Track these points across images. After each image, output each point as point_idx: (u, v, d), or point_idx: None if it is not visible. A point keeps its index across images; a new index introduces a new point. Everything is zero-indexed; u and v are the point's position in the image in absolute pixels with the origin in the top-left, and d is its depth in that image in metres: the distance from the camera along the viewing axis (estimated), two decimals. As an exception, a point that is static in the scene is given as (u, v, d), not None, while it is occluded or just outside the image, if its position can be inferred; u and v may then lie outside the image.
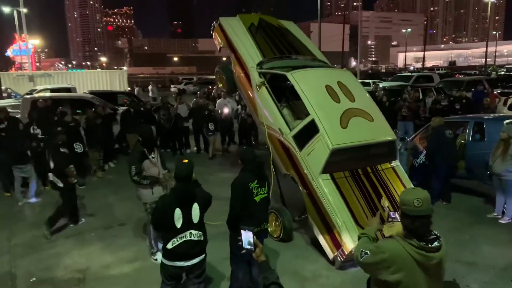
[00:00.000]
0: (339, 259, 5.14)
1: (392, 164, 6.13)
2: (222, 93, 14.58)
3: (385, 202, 5.51)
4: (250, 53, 7.47)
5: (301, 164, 5.79)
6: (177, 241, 3.63)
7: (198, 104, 12.54)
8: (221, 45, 8.32)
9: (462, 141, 7.86)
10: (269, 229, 5.91)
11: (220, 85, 8.77)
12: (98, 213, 7.49)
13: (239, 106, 13.16)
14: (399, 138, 9.14)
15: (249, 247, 2.49)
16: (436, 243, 2.38)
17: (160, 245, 4.87)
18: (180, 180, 3.68)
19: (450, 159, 7.33)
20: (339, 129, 5.71)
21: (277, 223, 5.95)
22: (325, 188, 5.38)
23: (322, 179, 5.46)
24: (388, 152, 6.19)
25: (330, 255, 5.26)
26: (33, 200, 8.19)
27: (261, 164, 4.45)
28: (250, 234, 2.48)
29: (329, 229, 5.29)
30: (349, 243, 4.97)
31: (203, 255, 3.81)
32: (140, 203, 5.65)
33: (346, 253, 5.01)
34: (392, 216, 2.68)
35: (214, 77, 9.19)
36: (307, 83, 6.34)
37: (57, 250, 5.95)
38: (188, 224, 3.66)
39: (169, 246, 3.64)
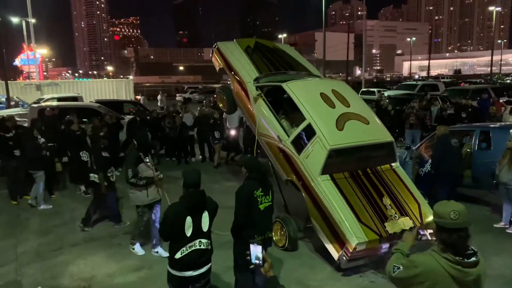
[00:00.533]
0: (344, 258, 5.10)
1: (392, 166, 6.17)
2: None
3: (387, 201, 5.53)
4: (247, 70, 7.78)
5: (301, 167, 5.86)
6: (186, 250, 3.59)
7: (203, 113, 12.59)
8: (220, 66, 8.70)
9: (468, 150, 7.83)
10: (274, 238, 5.94)
11: (221, 105, 9.02)
12: (103, 221, 7.51)
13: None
14: (405, 147, 9.13)
15: (257, 261, 2.46)
16: (473, 258, 2.26)
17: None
18: (189, 187, 3.64)
19: (456, 168, 7.27)
20: (336, 131, 5.84)
21: (282, 232, 5.94)
22: (325, 188, 5.44)
23: (322, 179, 5.54)
24: (387, 154, 6.25)
25: (335, 255, 5.23)
26: (42, 206, 8.25)
27: (265, 172, 4.46)
28: (259, 248, 2.45)
29: (332, 228, 5.28)
30: (353, 240, 4.96)
31: (210, 264, 3.79)
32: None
33: (351, 250, 4.98)
34: (422, 233, 2.57)
35: (218, 86, 9.40)
36: (302, 91, 6.55)
37: (63, 259, 5.97)
38: (198, 232, 3.63)
39: (178, 255, 3.58)
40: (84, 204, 8.49)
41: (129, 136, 11.30)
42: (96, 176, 7.09)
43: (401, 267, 2.36)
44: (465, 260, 2.24)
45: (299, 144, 6.02)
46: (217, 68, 8.98)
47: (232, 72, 8.06)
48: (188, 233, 3.57)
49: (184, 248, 3.57)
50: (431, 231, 2.42)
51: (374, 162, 6.09)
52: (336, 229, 5.22)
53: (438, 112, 12.67)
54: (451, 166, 7.18)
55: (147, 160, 5.82)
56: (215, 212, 3.84)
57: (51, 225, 7.34)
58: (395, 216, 5.36)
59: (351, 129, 5.97)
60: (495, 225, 6.75)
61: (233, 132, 12.17)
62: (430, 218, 5.37)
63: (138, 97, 31.51)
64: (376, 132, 6.33)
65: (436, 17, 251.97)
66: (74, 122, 9.52)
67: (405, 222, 5.34)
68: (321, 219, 5.47)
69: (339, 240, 5.17)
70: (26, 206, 8.42)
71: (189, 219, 3.56)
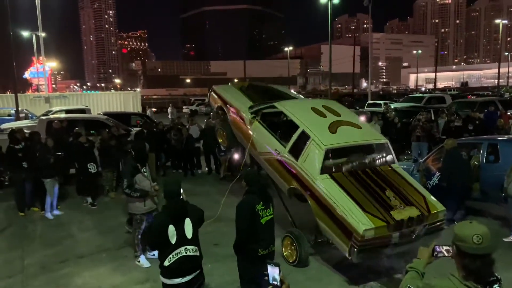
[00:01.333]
0: (354, 250, 5.04)
1: (392, 166, 6.29)
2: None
3: (390, 193, 5.58)
4: (242, 101, 8.28)
5: (301, 172, 5.99)
6: (173, 257, 3.66)
7: (209, 125, 12.63)
8: (218, 104, 9.08)
9: (476, 162, 7.77)
10: (284, 253, 5.96)
11: (220, 140, 9.30)
12: (109, 233, 7.52)
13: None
14: (412, 160, 9.07)
15: (275, 283, 2.43)
16: (496, 287, 2.06)
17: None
18: (169, 197, 3.75)
19: (465, 181, 7.25)
20: (329, 134, 6.14)
21: (292, 248, 5.88)
22: (326, 186, 5.57)
23: (322, 178, 5.68)
24: (384, 155, 6.43)
25: (345, 249, 5.18)
26: (48, 215, 8.31)
27: (265, 186, 4.46)
28: (277, 270, 2.41)
29: (338, 222, 5.27)
30: (359, 227, 4.97)
31: (199, 270, 3.85)
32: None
33: (359, 238, 4.95)
34: (438, 249, 2.34)
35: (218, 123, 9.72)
36: (293, 107, 7.09)
37: (69, 270, 5.97)
38: (182, 239, 3.70)
39: (166, 263, 3.67)
40: (91, 216, 8.56)
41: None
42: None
43: None
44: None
45: (296, 151, 6.21)
46: (215, 107, 9.44)
47: (228, 105, 8.53)
48: (173, 240, 3.65)
49: (171, 256, 3.66)
50: (448, 247, 2.25)
51: (373, 163, 6.29)
52: (342, 222, 5.21)
53: (446, 125, 12.60)
54: (461, 179, 7.15)
55: (144, 170, 5.92)
56: (200, 220, 3.90)
57: (57, 237, 7.35)
58: (401, 206, 5.38)
59: (344, 132, 6.27)
60: (504, 239, 6.65)
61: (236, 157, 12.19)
62: (438, 209, 5.56)
63: (154, 109, 31.77)
64: (369, 134, 6.70)
65: (442, 30, 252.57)
66: (82, 134, 9.60)
67: (412, 211, 5.35)
68: (327, 217, 5.47)
69: (347, 232, 5.13)
70: (34, 217, 8.48)
71: (171, 228, 3.65)
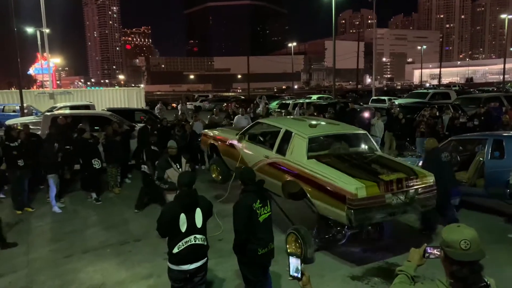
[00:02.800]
0: (351, 211, 5.17)
1: (375, 153, 6.81)
2: (240, 109, 14.75)
3: (376, 166, 6.03)
4: (230, 133, 8.81)
5: (290, 164, 6.32)
6: (182, 245, 3.82)
7: (213, 121, 12.65)
8: (210, 142, 9.46)
9: (481, 158, 7.73)
10: (288, 250, 5.96)
11: (213, 175, 9.56)
12: (114, 228, 7.56)
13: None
14: (415, 155, 9.04)
15: (296, 274, 2.42)
16: None
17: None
18: (183, 187, 3.94)
19: (449, 184, 6.76)
20: (309, 128, 6.79)
21: (297, 244, 5.88)
22: (314, 165, 5.95)
23: (309, 162, 6.07)
24: (366, 144, 6.97)
25: (343, 215, 5.29)
26: (55, 209, 8.40)
27: (261, 183, 4.46)
28: (298, 261, 2.39)
29: (331, 192, 5.47)
30: (351, 188, 5.22)
31: (206, 259, 4.00)
32: (154, 220, 5.75)
33: (352, 197, 5.15)
34: (429, 251, 2.28)
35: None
36: (275, 119, 8.65)
37: (73, 266, 6.00)
38: (192, 228, 3.86)
39: (175, 250, 3.82)
40: (95, 211, 8.60)
41: (140, 144, 11.38)
42: (145, 166, 8.17)
43: None
44: None
45: (282, 149, 6.63)
46: (207, 148, 9.73)
47: (218, 140, 9.02)
48: (183, 229, 3.82)
49: (180, 243, 3.82)
50: (439, 250, 2.16)
51: (356, 150, 6.87)
52: (334, 190, 5.43)
53: (450, 121, 12.54)
54: (444, 183, 6.51)
55: (178, 166, 6.23)
56: (209, 211, 4.07)
57: (62, 232, 7.40)
58: (388, 172, 5.75)
59: (323, 127, 7.15)
60: (509, 235, 6.63)
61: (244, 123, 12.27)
62: (426, 174, 5.94)
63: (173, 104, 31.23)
64: (348, 128, 7.58)
65: (447, 25, 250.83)
66: (87, 130, 9.62)
67: (399, 174, 5.70)
68: (321, 192, 5.65)
69: (340, 197, 5.30)
70: (38, 213, 8.52)
71: (183, 216, 3.82)
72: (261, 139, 8.15)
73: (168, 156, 6.25)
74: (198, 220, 3.89)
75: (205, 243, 3.95)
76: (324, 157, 6.25)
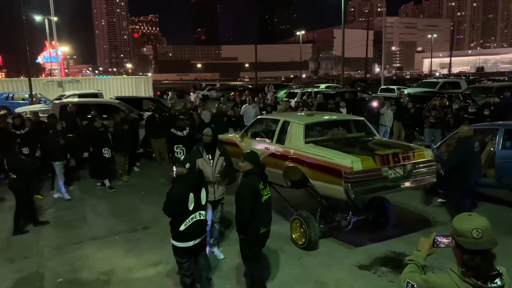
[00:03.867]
0: (348, 185, 5.26)
1: (373, 137, 6.98)
2: (247, 98, 14.69)
3: (373, 145, 6.29)
4: (234, 135, 8.86)
5: (289, 150, 6.44)
6: (189, 221, 4.28)
7: (220, 110, 12.61)
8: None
9: (492, 149, 7.63)
10: (293, 236, 6.03)
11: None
12: (122, 216, 7.63)
13: (264, 112, 13.19)
14: (424, 145, 8.96)
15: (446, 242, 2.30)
16: (498, 282, 1.96)
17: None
18: (192, 168, 4.68)
19: (477, 178, 6.66)
20: (306, 117, 7.15)
21: (302, 230, 5.91)
22: (311, 148, 6.11)
23: (307, 146, 6.22)
24: (363, 131, 7.13)
25: (341, 190, 5.36)
26: (65, 196, 8.48)
27: (263, 166, 4.65)
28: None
29: (328, 169, 5.58)
30: (346, 162, 5.37)
31: (205, 233, 4.61)
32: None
33: (348, 171, 5.27)
34: (439, 240, 2.25)
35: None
36: (275, 114, 8.92)
37: (83, 252, 6.08)
38: (198, 205, 4.38)
39: (182, 227, 4.27)
40: (104, 199, 8.68)
41: (147, 133, 11.41)
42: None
43: (415, 286, 2.14)
44: (489, 284, 1.96)
45: (281, 139, 6.78)
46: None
47: (226, 143, 9.07)
48: (191, 207, 4.30)
49: (187, 220, 4.28)
50: (449, 237, 2.16)
51: (353, 134, 7.04)
52: (330, 166, 5.55)
53: (460, 111, 12.37)
54: (471, 175, 6.52)
55: (210, 158, 5.67)
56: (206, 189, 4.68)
57: (71, 219, 7.48)
58: (384, 149, 5.93)
59: (320, 115, 7.73)
60: (519, 226, 6.57)
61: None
62: (423, 150, 6.13)
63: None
64: (344, 116, 8.41)
65: (458, 13, 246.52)
66: (98, 119, 9.64)
67: (395, 150, 5.88)
68: (319, 171, 5.76)
69: (337, 172, 5.40)
70: (48, 200, 8.61)
71: (191, 196, 4.31)
72: (262, 134, 8.20)
73: (202, 145, 5.83)
74: (203, 198, 4.46)
75: (205, 218, 4.52)
76: (321, 141, 6.45)
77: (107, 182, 9.35)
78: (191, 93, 29.88)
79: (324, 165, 5.65)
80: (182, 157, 8.18)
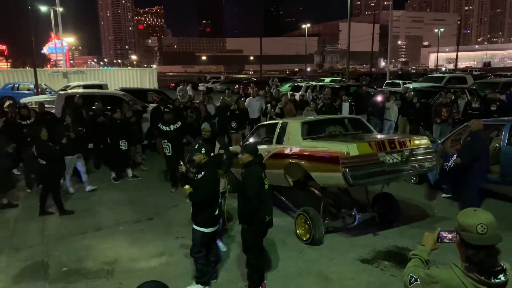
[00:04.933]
0: (346, 170, 5.30)
1: (371, 134, 7.06)
2: (252, 91, 14.64)
3: (369, 137, 6.39)
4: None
5: (288, 148, 6.50)
6: (217, 206, 4.54)
7: (224, 103, 12.59)
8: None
9: (497, 144, 7.59)
10: (297, 231, 6.06)
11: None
12: (127, 207, 7.68)
13: (269, 105, 13.15)
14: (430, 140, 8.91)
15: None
16: (501, 277, 1.95)
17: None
18: (208, 154, 4.71)
19: (482, 168, 6.66)
20: (303, 118, 7.55)
21: (306, 226, 5.92)
22: (309, 143, 6.23)
23: (304, 142, 6.32)
24: (360, 129, 7.20)
25: (339, 176, 5.37)
26: (70, 189, 8.45)
27: (262, 156, 4.81)
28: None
29: (326, 159, 5.66)
30: (343, 148, 5.45)
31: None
32: (167, 200, 5.82)
33: (346, 156, 5.35)
34: (443, 235, 2.25)
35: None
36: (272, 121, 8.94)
37: (88, 242, 6.13)
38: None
39: (216, 212, 4.54)
40: (110, 190, 8.75)
41: (152, 124, 11.42)
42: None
43: (418, 280, 2.14)
44: (493, 280, 1.95)
45: (280, 139, 6.85)
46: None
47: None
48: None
49: (216, 205, 4.54)
50: (454, 233, 2.17)
51: (350, 132, 7.16)
52: (328, 155, 5.63)
53: (466, 106, 12.28)
54: (483, 166, 6.61)
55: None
56: None
57: (76, 210, 7.52)
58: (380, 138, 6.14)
59: (318, 117, 8.14)
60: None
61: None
62: (423, 141, 6.18)
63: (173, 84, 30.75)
64: (341, 115, 8.40)
65: (466, 8, 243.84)
66: (117, 111, 9.65)
67: (391, 138, 6.09)
68: (317, 162, 5.83)
69: (334, 159, 5.46)
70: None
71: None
72: (262, 141, 8.22)
73: (201, 139, 5.96)
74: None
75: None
76: (318, 138, 6.55)
77: (113, 173, 9.43)
78: (199, 85, 29.77)
79: (322, 155, 5.77)
80: (170, 153, 8.20)
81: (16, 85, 24.48)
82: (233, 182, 6.78)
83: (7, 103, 12.22)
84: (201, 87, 40.68)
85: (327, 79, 33.24)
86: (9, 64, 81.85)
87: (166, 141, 8.32)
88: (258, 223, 4.45)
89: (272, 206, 4.68)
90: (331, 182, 5.83)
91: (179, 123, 8.59)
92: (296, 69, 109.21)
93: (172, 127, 8.45)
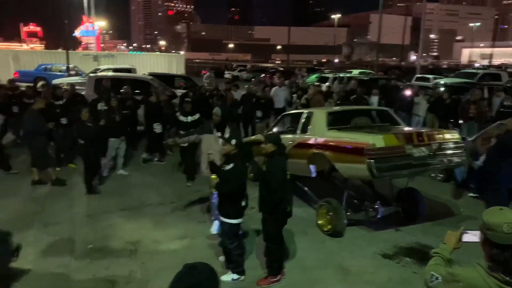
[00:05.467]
0: (371, 161, 5.23)
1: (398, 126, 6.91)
2: (277, 81, 14.57)
3: (397, 129, 6.34)
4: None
5: (313, 138, 6.44)
6: (245, 197, 4.59)
7: (250, 92, 12.55)
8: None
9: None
10: (318, 222, 6.06)
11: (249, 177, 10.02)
12: (152, 190, 7.84)
13: (295, 95, 13.03)
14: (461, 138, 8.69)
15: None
16: None
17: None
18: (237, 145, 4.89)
19: None
20: (329, 108, 7.46)
21: (328, 217, 5.91)
22: (334, 133, 6.16)
23: (330, 132, 6.26)
24: (388, 120, 7.10)
25: (364, 168, 5.30)
26: (104, 172, 8.50)
27: (285, 146, 4.94)
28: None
29: (350, 150, 5.63)
30: (368, 139, 5.43)
31: None
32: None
33: (371, 147, 5.27)
34: (467, 234, 2.20)
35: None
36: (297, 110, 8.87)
37: (113, 222, 6.31)
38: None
39: (243, 203, 4.54)
40: (136, 172, 8.92)
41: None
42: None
43: (440, 278, 2.09)
44: None
45: (305, 128, 6.82)
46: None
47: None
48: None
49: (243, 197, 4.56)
50: (477, 232, 2.12)
51: (378, 123, 7.04)
52: (353, 146, 5.59)
53: (501, 104, 11.83)
54: None
55: (218, 134, 6.03)
56: None
57: (103, 190, 7.73)
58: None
59: (344, 106, 8.08)
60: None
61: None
62: (453, 135, 6.15)
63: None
64: (368, 107, 8.33)
65: (505, 1, 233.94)
66: (153, 94, 9.82)
67: (420, 130, 6.06)
68: (341, 153, 5.79)
69: (359, 150, 5.39)
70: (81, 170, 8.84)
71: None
72: (287, 130, 8.16)
73: (212, 124, 6.13)
74: None
75: None
76: (344, 128, 6.46)
77: (156, 155, 9.67)
78: (225, 73, 29.85)
79: (347, 146, 5.71)
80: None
81: (48, 67, 25.16)
82: (255, 171, 6.77)
83: (40, 83, 12.58)
84: (227, 75, 40.74)
85: (356, 71, 32.64)
86: (43, 45, 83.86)
87: (183, 132, 8.16)
88: (280, 212, 4.51)
89: (292, 196, 4.72)
90: (355, 174, 5.79)
91: (198, 115, 8.54)
92: (324, 60, 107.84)
93: (190, 118, 8.41)
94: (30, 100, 9.50)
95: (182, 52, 58.82)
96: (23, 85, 12.48)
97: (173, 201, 7.24)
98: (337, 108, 7.52)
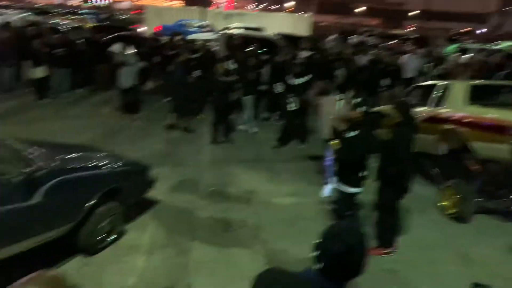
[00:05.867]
0: None
1: None
2: (411, 48, 13.52)
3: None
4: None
5: (448, 113, 6.02)
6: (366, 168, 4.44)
7: (377, 57, 11.83)
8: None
9: None
10: (442, 203, 5.64)
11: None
12: (267, 147, 8.10)
13: (427, 65, 11.95)
14: None
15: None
16: None
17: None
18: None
19: None
20: (472, 82, 6.72)
21: (454, 199, 5.45)
22: (475, 109, 5.70)
23: (470, 108, 5.81)
24: None
25: (507, 150, 4.99)
26: (243, 127, 8.95)
27: (412, 118, 4.83)
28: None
29: (491, 127, 5.29)
30: None
31: None
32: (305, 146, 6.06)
33: None
34: None
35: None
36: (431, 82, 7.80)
37: (233, 170, 6.77)
38: None
39: (366, 172, 4.41)
40: (261, 129, 9.14)
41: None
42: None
43: None
44: None
45: (440, 102, 6.35)
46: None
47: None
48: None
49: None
50: None
51: None
52: (495, 124, 5.25)
53: None
54: None
55: (339, 97, 5.89)
56: None
57: (226, 142, 8.18)
58: None
59: (490, 82, 7.30)
60: None
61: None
62: None
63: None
64: None
65: None
66: (278, 54, 9.97)
67: None
68: (480, 131, 5.40)
69: (503, 129, 5.06)
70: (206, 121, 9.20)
71: None
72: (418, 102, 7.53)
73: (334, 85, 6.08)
74: None
75: None
76: (488, 104, 5.83)
77: (276, 115, 9.80)
78: (350, 38, 28.51)
79: (488, 123, 5.33)
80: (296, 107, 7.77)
81: (184, 23, 26.98)
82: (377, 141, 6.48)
83: (178, 37, 13.60)
84: (354, 39, 38.88)
85: (505, 44, 28.47)
86: (184, 1, 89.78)
87: (293, 94, 7.91)
88: (400, 185, 4.36)
89: (414, 172, 4.59)
90: (494, 154, 5.25)
91: (310, 76, 8.11)
92: (466, 29, 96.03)
93: (301, 80, 7.99)
94: (168, 52, 10.37)
95: (309, 14, 57.90)
96: (164, 39, 13.63)
97: (288, 160, 7.42)
98: (481, 81, 6.78)
